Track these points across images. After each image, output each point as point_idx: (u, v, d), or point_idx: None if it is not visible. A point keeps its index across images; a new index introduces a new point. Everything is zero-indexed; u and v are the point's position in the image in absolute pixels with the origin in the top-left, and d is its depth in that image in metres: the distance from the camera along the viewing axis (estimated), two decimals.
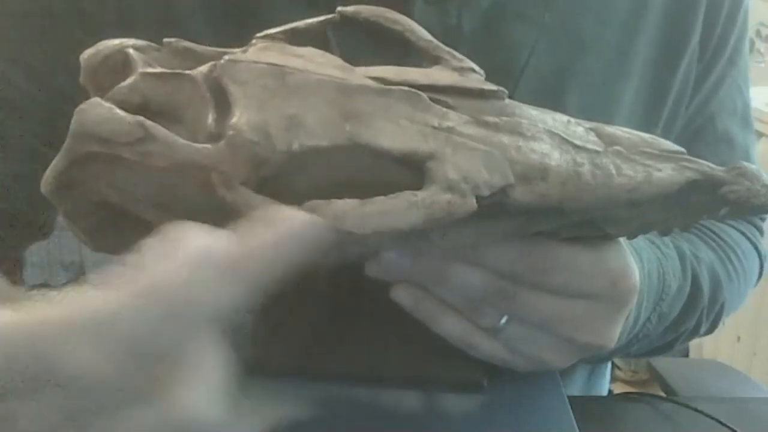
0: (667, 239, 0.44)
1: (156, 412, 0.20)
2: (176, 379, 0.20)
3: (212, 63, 0.25)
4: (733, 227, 0.51)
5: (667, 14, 0.45)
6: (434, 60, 0.28)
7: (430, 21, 0.39)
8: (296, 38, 0.28)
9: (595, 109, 0.43)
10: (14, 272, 0.40)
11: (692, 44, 0.46)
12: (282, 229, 0.21)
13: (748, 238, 0.51)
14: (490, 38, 0.41)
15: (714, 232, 0.49)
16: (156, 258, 0.20)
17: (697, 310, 0.44)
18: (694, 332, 0.46)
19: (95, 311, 0.18)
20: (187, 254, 0.20)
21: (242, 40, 0.28)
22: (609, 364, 0.59)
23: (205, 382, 0.21)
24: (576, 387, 0.52)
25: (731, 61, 0.49)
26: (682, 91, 0.47)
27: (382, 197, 0.24)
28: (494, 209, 0.26)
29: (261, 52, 0.26)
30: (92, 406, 0.19)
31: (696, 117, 0.49)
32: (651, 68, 0.45)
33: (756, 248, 0.52)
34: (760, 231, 0.53)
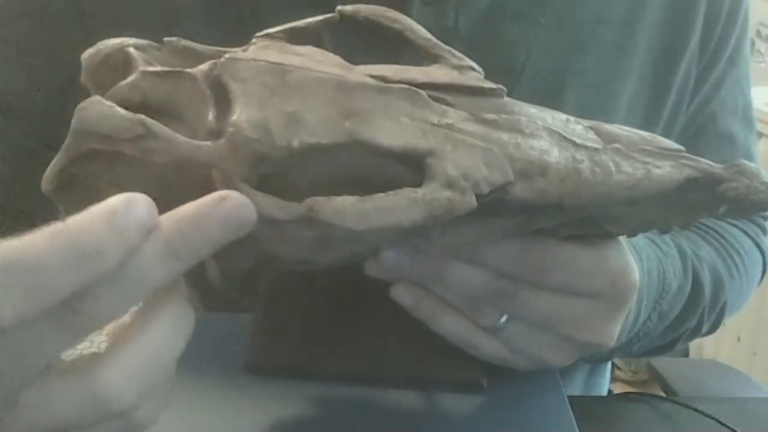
0: (667, 238, 0.44)
1: (76, 385, 0.20)
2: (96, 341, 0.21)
3: (212, 61, 0.25)
4: (736, 226, 0.51)
5: (667, 14, 0.45)
6: (433, 58, 0.28)
7: (428, 21, 0.39)
8: (296, 37, 0.28)
9: (594, 108, 0.44)
10: None
11: (692, 44, 0.46)
12: (212, 204, 0.21)
13: (751, 237, 0.51)
14: (488, 38, 0.41)
15: (716, 231, 0.49)
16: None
17: (698, 309, 0.44)
18: (696, 332, 0.46)
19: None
20: (107, 205, 0.20)
21: (242, 39, 0.28)
22: (609, 364, 0.59)
23: (127, 356, 0.21)
24: (576, 387, 0.52)
25: (732, 60, 0.49)
26: (683, 91, 0.47)
27: (381, 194, 0.24)
28: (494, 206, 0.26)
29: (261, 50, 0.26)
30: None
31: (697, 116, 0.50)
32: (650, 68, 0.45)
33: (759, 247, 0.52)
34: (763, 230, 0.53)
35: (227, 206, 0.21)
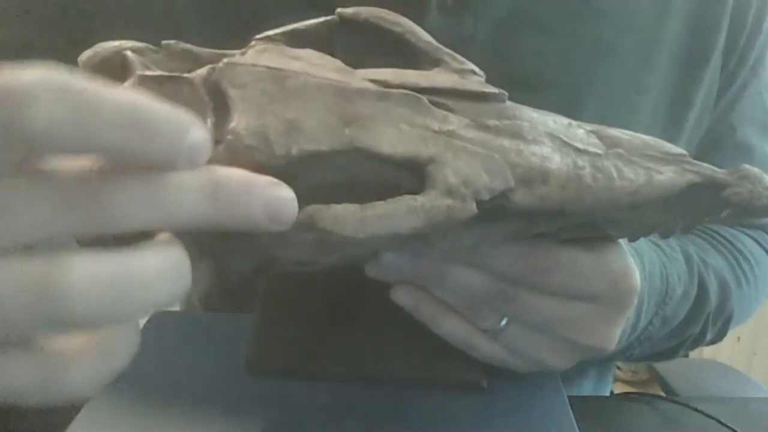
0: (673, 243, 0.43)
1: (29, 268, 0.17)
2: None
3: (211, 66, 0.25)
4: (746, 234, 0.50)
5: (690, 24, 0.44)
6: (434, 62, 0.28)
7: (444, 30, 0.38)
8: (295, 40, 0.28)
9: (615, 120, 0.43)
10: None
11: (716, 54, 0.45)
12: (264, 183, 0.20)
13: (762, 246, 0.51)
14: (506, 49, 0.40)
15: (726, 239, 0.49)
16: None
17: (702, 315, 0.43)
18: (700, 339, 0.45)
19: None
20: (178, 112, 0.19)
21: (242, 40, 0.28)
22: (613, 369, 0.59)
23: (101, 264, 0.18)
24: (585, 392, 0.52)
25: (754, 70, 0.48)
26: (706, 102, 0.46)
27: (381, 202, 0.24)
28: (495, 212, 0.26)
29: (260, 54, 0.26)
30: None
31: (716, 126, 0.49)
32: (673, 79, 0.44)
33: None
34: None
35: (278, 193, 0.21)
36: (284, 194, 0.21)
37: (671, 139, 0.44)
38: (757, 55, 0.48)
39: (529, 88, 0.41)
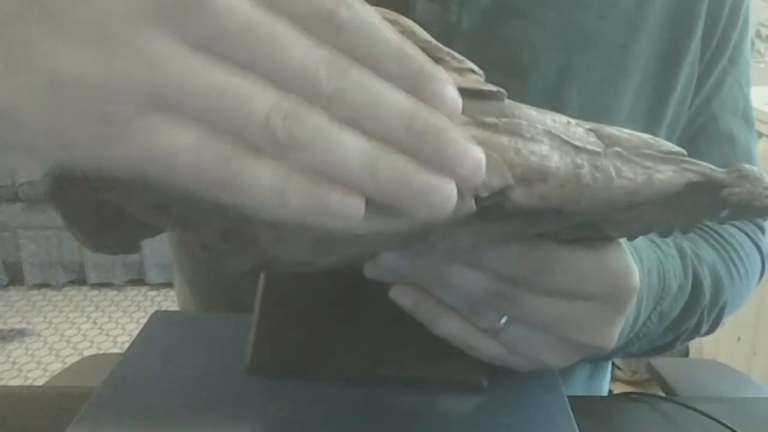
0: (668, 239, 0.44)
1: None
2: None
3: None
4: (736, 227, 0.51)
5: (669, 12, 0.45)
6: (433, 60, 0.28)
7: (431, 18, 0.39)
8: None
9: (597, 107, 0.43)
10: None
11: (694, 43, 0.46)
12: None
13: (751, 238, 0.51)
14: (490, 36, 0.41)
15: (716, 232, 0.49)
16: None
17: (698, 309, 0.44)
18: (695, 332, 0.46)
19: None
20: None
21: None
22: (609, 365, 0.59)
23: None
24: (577, 387, 0.52)
25: (732, 60, 0.49)
26: (685, 91, 0.47)
27: None
28: (494, 211, 0.26)
29: None
30: None
31: (698, 116, 0.49)
32: (653, 67, 0.45)
33: (758, 248, 0.52)
34: (762, 230, 0.53)
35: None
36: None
37: (652, 127, 0.45)
38: (735, 44, 0.49)
39: (513, 75, 0.41)
